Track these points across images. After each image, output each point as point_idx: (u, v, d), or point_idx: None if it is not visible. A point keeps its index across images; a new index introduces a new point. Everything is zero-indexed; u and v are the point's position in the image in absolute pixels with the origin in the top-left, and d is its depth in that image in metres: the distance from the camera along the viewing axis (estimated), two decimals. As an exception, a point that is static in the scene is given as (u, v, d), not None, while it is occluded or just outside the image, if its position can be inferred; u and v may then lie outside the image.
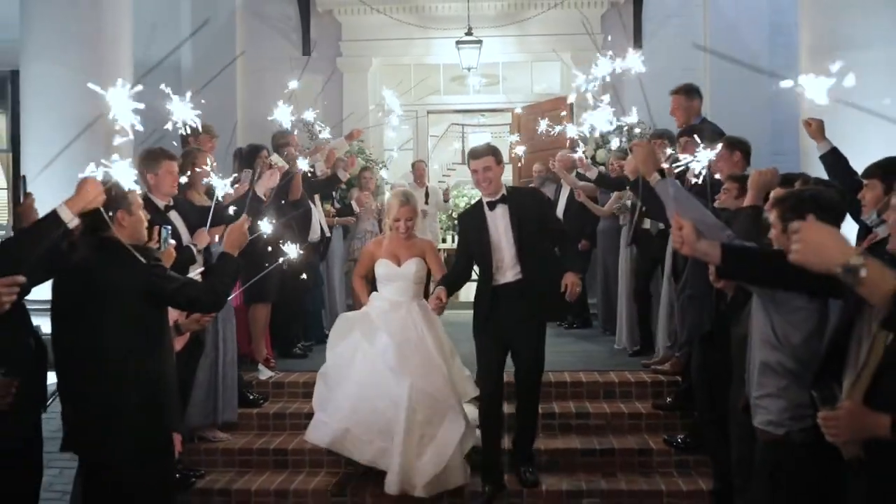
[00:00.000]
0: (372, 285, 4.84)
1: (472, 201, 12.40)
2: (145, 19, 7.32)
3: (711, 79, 8.57)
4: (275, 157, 6.28)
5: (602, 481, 4.57)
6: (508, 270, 4.37)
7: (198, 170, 4.79)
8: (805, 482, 2.77)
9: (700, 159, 3.90)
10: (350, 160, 7.22)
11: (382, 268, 4.65)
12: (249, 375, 5.53)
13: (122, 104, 2.71)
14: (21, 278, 2.57)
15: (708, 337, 4.26)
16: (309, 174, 6.41)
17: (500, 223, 4.38)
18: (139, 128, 2.77)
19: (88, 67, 6.24)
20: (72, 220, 2.93)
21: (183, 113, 2.97)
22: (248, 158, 5.99)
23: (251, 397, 5.33)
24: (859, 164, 3.73)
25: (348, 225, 7.59)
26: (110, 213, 2.99)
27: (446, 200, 9.44)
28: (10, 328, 3.00)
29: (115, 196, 3.00)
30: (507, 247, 4.36)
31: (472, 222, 4.51)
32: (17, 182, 9.00)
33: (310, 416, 5.01)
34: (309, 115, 5.88)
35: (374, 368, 4.35)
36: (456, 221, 12.02)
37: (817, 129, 4.20)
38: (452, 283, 4.47)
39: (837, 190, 3.12)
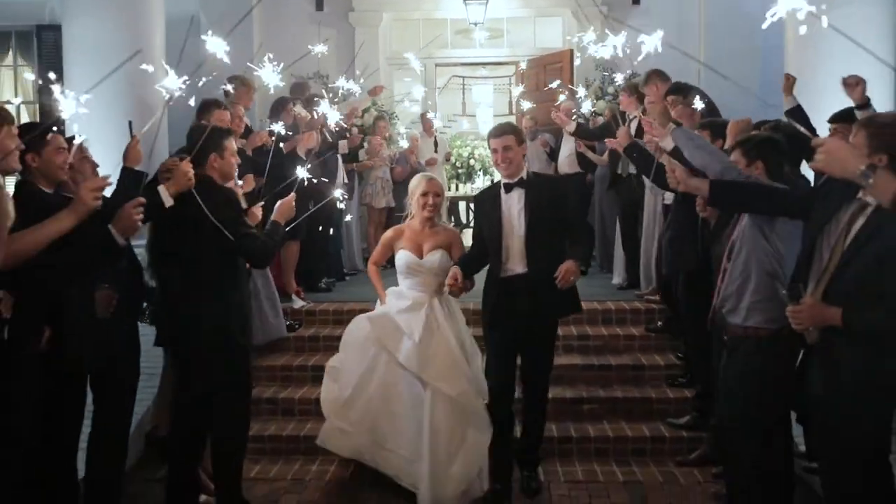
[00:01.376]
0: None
1: (475, 151, 12.98)
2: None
3: (706, 35, 9.06)
4: (298, 108, 6.82)
5: (600, 391, 5.26)
6: (518, 261, 4.13)
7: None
8: (790, 367, 3.31)
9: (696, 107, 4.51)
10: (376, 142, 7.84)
11: (403, 259, 4.40)
12: (284, 305, 6.14)
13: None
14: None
15: (694, 268, 4.86)
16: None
17: (514, 208, 4.15)
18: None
19: (126, 24, 6.71)
20: (168, 201, 3.50)
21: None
22: (274, 110, 6.54)
23: (287, 323, 5.97)
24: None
25: (362, 172, 8.17)
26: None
27: (448, 160, 9.94)
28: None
29: (210, 139, 3.59)
30: (519, 235, 4.12)
31: (486, 203, 4.30)
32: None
33: (340, 339, 5.68)
34: (342, 82, 6.30)
35: (398, 376, 4.16)
36: (459, 170, 12.62)
37: (790, 85, 4.76)
38: (466, 265, 4.24)
39: (787, 134, 3.75)
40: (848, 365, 2.87)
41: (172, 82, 3.51)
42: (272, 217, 3.87)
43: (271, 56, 4.01)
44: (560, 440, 4.81)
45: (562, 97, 7.27)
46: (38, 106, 9.89)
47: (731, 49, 8.68)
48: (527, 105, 8.32)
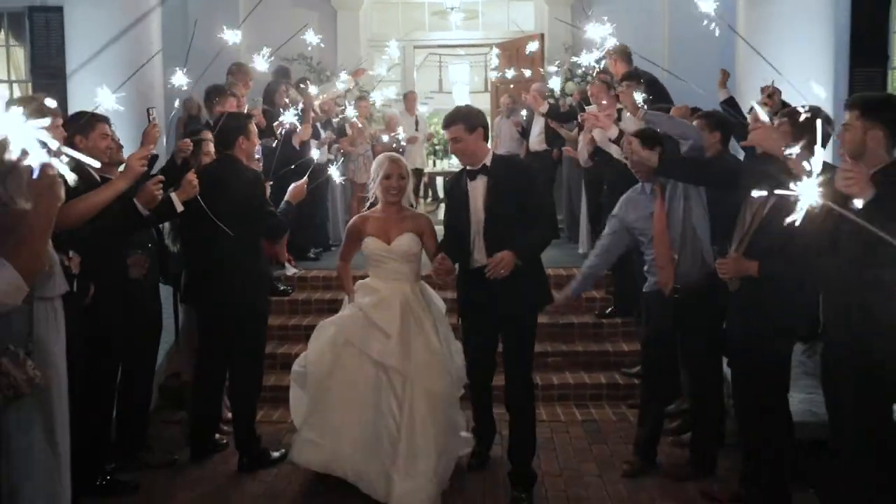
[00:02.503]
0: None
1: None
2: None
3: (670, 17, 9.66)
4: (293, 93, 7.35)
5: (563, 346, 5.93)
6: (483, 252, 3.93)
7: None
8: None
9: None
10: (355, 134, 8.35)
11: (370, 246, 4.10)
12: (278, 272, 6.73)
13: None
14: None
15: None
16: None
17: (479, 196, 3.94)
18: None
19: (124, 9, 7.16)
20: (179, 207, 4.03)
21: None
22: (269, 94, 7.06)
23: (281, 288, 6.55)
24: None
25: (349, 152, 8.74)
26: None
27: (428, 140, 10.44)
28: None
29: (238, 124, 4.14)
30: (482, 225, 3.93)
31: (454, 192, 4.11)
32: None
33: (332, 302, 6.29)
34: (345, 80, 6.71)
35: (366, 375, 3.94)
36: (437, 146, 13.17)
37: (724, 80, 5.47)
38: (447, 252, 4.00)
39: (717, 120, 4.47)
40: (760, 307, 3.56)
41: (179, 79, 4.03)
42: (286, 198, 4.37)
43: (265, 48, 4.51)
44: (527, 387, 5.47)
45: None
46: (29, 85, 10.26)
47: (694, 31, 9.26)
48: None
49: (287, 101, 6.97)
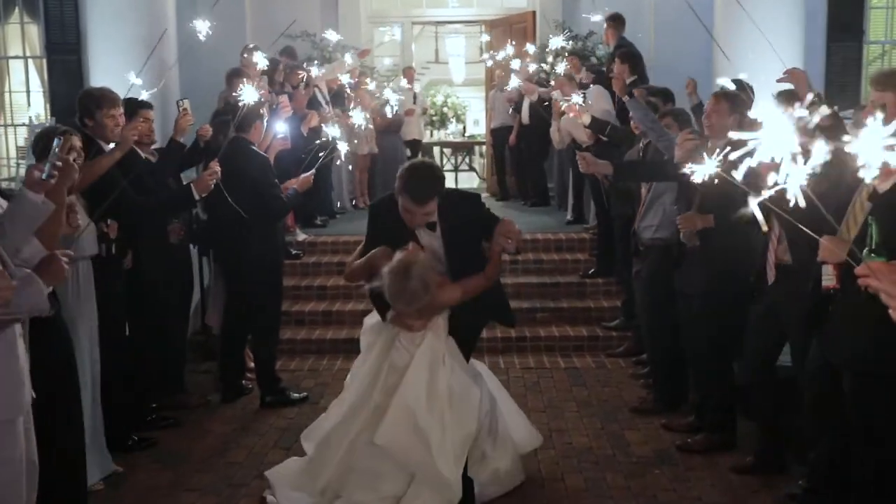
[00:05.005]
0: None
1: (446, 98, 13.96)
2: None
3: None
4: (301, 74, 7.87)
5: (550, 302, 6.57)
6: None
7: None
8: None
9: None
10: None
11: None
12: (289, 237, 7.33)
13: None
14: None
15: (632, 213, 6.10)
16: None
17: (433, 238, 3.68)
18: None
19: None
20: (196, 196, 4.55)
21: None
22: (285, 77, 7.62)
23: (293, 252, 7.15)
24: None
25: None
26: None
27: (424, 112, 10.96)
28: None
29: (252, 111, 4.72)
30: (439, 257, 3.69)
31: (387, 221, 3.66)
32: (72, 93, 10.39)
33: (339, 265, 6.92)
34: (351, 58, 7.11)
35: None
36: (433, 117, 13.64)
37: (692, 87, 6.08)
38: None
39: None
40: (716, 255, 4.13)
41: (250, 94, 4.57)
42: (294, 186, 4.98)
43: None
44: (517, 339, 6.11)
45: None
46: (44, 61, 10.71)
47: (679, 10, 9.74)
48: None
49: (298, 80, 7.49)
